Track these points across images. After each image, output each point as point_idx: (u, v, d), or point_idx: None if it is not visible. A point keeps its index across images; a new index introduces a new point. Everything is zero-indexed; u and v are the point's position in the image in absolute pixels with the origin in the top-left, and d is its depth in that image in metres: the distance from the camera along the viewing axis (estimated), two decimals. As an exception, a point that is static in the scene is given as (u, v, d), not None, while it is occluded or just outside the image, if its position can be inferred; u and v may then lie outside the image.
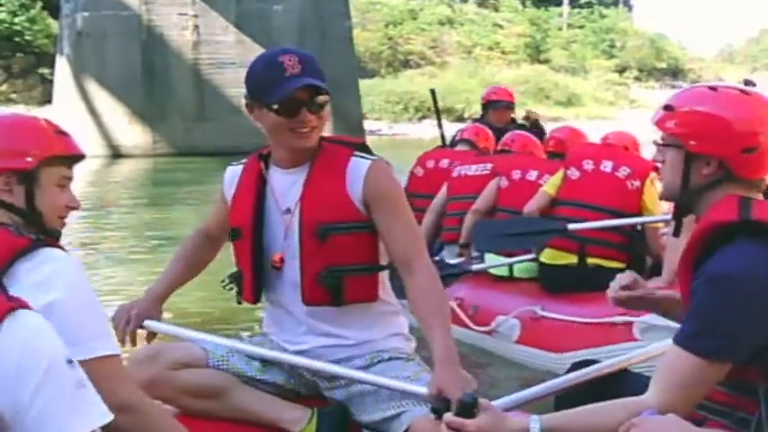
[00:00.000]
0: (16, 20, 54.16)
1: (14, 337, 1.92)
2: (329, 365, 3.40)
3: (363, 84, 47.11)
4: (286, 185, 3.44)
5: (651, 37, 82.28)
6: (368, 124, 43.47)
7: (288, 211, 3.42)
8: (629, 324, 6.17)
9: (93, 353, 2.48)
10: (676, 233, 3.01)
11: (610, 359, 3.45)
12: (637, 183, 6.65)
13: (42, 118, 2.89)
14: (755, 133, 2.69)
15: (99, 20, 35.64)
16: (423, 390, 3.14)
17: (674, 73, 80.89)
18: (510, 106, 9.95)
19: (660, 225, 6.80)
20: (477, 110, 45.04)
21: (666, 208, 7.99)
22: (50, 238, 2.75)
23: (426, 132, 48.78)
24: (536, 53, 72.34)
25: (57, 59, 37.97)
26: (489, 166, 7.61)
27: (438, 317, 3.21)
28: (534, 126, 9.83)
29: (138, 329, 3.71)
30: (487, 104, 9.91)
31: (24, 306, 1.99)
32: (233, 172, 3.66)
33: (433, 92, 10.35)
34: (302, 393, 3.56)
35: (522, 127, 9.61)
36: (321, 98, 3.33)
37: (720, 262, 2.60)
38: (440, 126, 9.64)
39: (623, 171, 6.70)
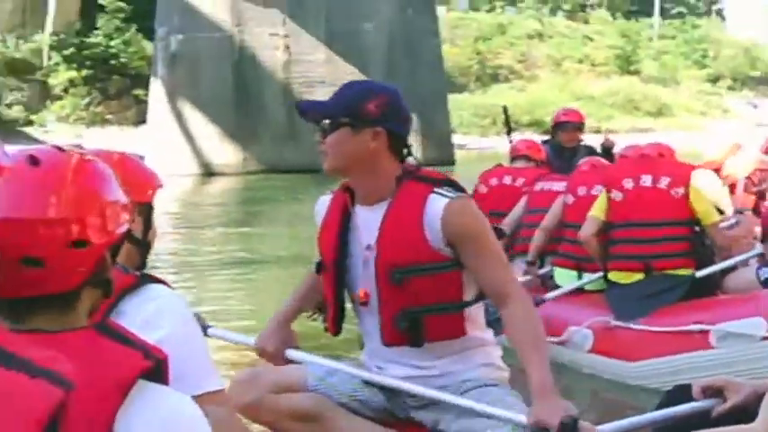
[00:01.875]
0: (112, 42, 55.44)
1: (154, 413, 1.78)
2: (428, 390, 3.39)
3: (452, 98, 47.09)
4: (368, 221, 3.44)
5: (745, 45, 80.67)
6: (456, 138, 43.47)
7: (369, 247, 3.42)
8: (706, 332, 6.18)
9: (200, 389, 2.50)
10: None
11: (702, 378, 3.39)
12: (680, 190, 6.67)
13: (118, 153, 3.05)
14: None
15: (192, 42, 36.30)
16: (522, 418, 3.11)
17: (769, 82, 79.27)
18: (579, 127, 9.99)
19: (718, 220, 6.87)
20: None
21: (730, 205, 7.96)
22: (154, 275, 2.84)
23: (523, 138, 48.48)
24: (626, 65, 71.44)
25: (151, 81, 38.75)
26: (563, 184, 7.71)
27: (534, 346, 3.19)
28: (606, 152, 9.85)
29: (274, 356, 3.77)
30: (557, 126, 9.98)
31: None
32: (322, 203, 3.71)
33: (505, 109, 10.55)
34: (398, 416, 3.56)
35: (591, 150, 9.65)
36: (324, 122, 3.46)
37: None
38: (510, 143, 9.66)
39: (664, 181, 6.72)
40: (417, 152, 18.83)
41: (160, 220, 17.92)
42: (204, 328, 3.95)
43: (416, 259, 3.28)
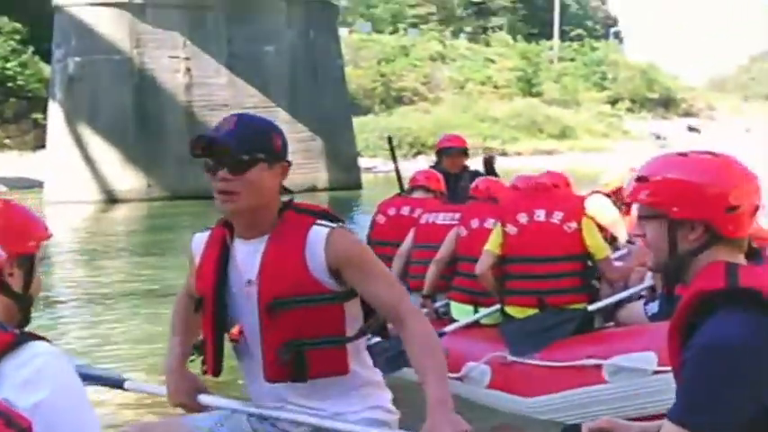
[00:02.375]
0: (8, 65, 54.31)
1: None
2: (324, 420, 3.33)
3: (357, 121, 47.19)
4: (248, 256, 3.35)
5: (642, 68, 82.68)
6: (363, 162, 43.55)
7: (249, 282, 3.34)
8: (599, 367, 6.25)
9: None
10: (669, 307, 2.96)
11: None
12: (573, 224, 6.72)
13: (3, 200, 2.89)
14: (735, 192, 2.68)
15: (91, 64, 35.74)
16: None
17: (666, 103, 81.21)
18: (463, 152, 10.12)
19: (611, 254, 6.92)
20: (472, 144, 45.13)
21: (624, 230, 8.07)
22: (33, 333, 2.70)
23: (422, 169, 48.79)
24: (528, 87, 72.62)
25: (49, 104, 38.03)
26: (457, 216, 7.69)
27: (430, 360, 3.15)
28: (489, 169, 9.98)
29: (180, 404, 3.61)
30: (441, 151, 10.09)
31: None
32: (199, 239, 3.56)
33: (389, 139, 10.61)
34: None
35: (476, 174, 9.74)
36: (243, 158, 3.22)
37: (709, 332, 2.54)
38: (397, 172, 9.68)
39: (557, 216, 6.77)
40: (324, 176, 19.02)
41: (62, 247, 17.48)
42: (120, 382, 3.90)
43: (299, 291, 3.23)
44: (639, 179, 2.80)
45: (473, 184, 8.16)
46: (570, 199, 7.07)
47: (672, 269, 2.78)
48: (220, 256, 3.39)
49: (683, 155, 2.80)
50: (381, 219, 8.52)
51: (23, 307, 2.77)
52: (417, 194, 8.59)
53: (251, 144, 3.21)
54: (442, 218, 7.84)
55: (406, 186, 9.17)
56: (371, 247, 3.50)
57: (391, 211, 8.48)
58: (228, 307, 3.38)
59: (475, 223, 7.37)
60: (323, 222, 3.31)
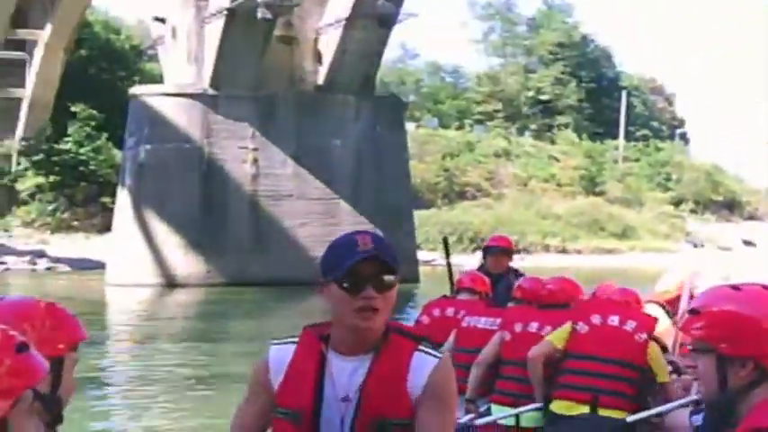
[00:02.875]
0: (82, 150, 55.62)
1: None
2: None
3: (419, 214, 47.42)
4: (346, 372, 3.33)
5: (708, 170, 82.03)
6: (422, 255, 43.61)
7: (346, 398, 3.32)
8: None
9: None
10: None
11: None
12: (644, 335, 6.78)
13: (46, 302, 2.88)
14: None
15: (161, 152, 36.54)
16: None
17: (731, 206, 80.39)
18: (506, 252, 10.04)
19: (673, 380, 6.93)
20: (532, 241, 44.80)
21: (671, 338, 8.01)
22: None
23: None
24: (591, 185, 72.44)
25: (118, 189, 38.83)
26: (498, 321, 7.72)
27: None
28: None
29: None
30: (485, 251, 10.03)
31: None
32: (281, 353, 3.46)
33: (445, 239, 10.49)
34: None
35: (518, 274, 9.72)
36: (388, 278, 3.21)
37: None
38: (450, 273, 9.68)
39: (630, 324, 6.82)
40: None
41: (119, 330, 17.73)
42: None
43: (398, 414, 3.25)
44: (692, 311, 2.83)
45: (516, 285, 8.20)
46: (644, 315, 7.14)
47: (722, 405, 2.76)
48: (318, 370, 3.35)
49: (736, 288, 2.82)
50: (426, 319, 8.56)
51: (50, 408, 2.74)
52: (463, 296, 8.65)
53: (395, 265, 3.24)
54: (483, 322, 7.88)
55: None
56: None
57: (436, 312, 8.53)
58: (322, 423, 3.34)
59: (518, 327, 7.42)
60: (426, 349, 3.33)
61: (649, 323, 6.90)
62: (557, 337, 6.98)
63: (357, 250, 3.17)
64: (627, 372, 6.74)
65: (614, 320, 6.88)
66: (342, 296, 3.19)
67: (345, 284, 3.17)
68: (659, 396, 6.95)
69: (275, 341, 3.52)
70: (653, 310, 8.19)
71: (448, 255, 10.07)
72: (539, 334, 7.29)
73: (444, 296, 9.10)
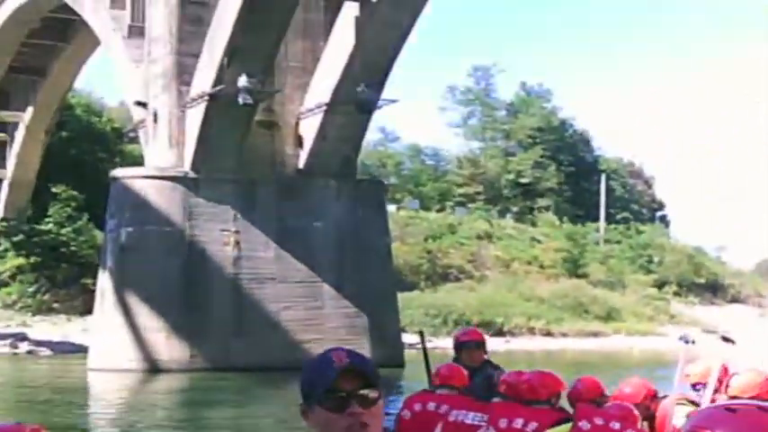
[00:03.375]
0: (63, 230, 55.46)
1: None
2: None
3: (402, 297, 47.26)
4: None
5: (689, 252, 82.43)
6: (407, 338, 43.37)
7: None
8: None
9: None
10: None
11: None
12: None
13: (31, 427, 2.89)
14: None
15: (142, 235, 36.43)
16: None
17: (714, 288, 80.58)
18: (480, 345, 10.08)
19: None
20: (516, 323, 44.65)
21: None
22: None
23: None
24: (574, 268, 72.61)
25: (99, 272, 38.60)
26: (486, 417, 7.63)
27: None
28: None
29: None
30: (459, 345, 10.04)
31: None
32: None
33: (421, 333, 10.55)
34: None
35: (494, 366, 9.70)
36: (372, 393, 3.09)
37: None
38: (428, 369, 9.64)
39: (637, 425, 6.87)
40: (366, 352, 18.72)
41: (103, 418, 17.37)
42: None
43: None
44: None
45: (500, 379, 8.12)
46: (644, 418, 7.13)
47: None
48: None
49: (732, 410, 2.75)
50: (407, 414, 8.55)
51: None
52: (442, 391, 8.63)
53: (375, 378, 3.13)
54: (471, 417, 7.82)
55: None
56: None
57: (417, 407, 8.53)
58: None
59: (503, 423, 7.34)
60: None
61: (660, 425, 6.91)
62: None
63: (333, 366, 3.05)
64: None
65: (616, 426, 6.83)
66: (327, 417, 3.05)
67: (328, 404, 3.04)
68: None
69: None
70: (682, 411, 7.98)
71: (425, 352, 10.08)
72: (524, 430, 7.22)
73: (424, 390, 9.06)
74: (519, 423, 7.20)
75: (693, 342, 8.17)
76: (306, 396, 3.11)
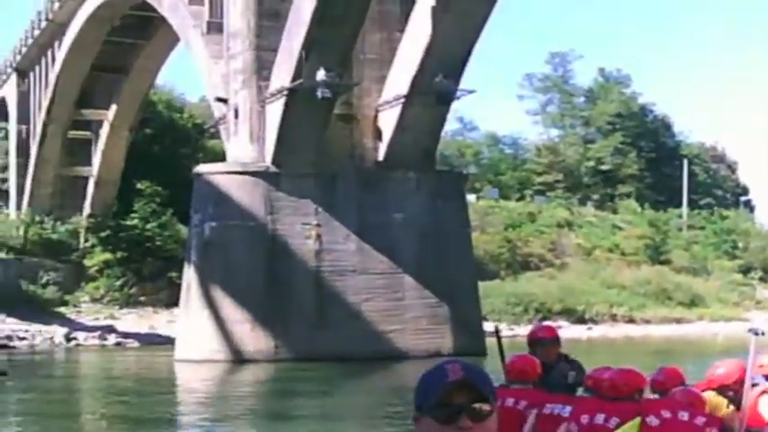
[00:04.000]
0: (148, 226, 56.48)
1: None
2: None
3: (483, 286, 47.24)
4: None
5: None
6: (488, 326, 43.34)
7: None
8: None
9: None
10: None
11: None
12: (714, 430, 6.83)
13: None
14: None
15: (226, 230, 36.96)
16: None
17: (801, 273, 79.14)
18: (556, 342, 10.01)
19: None
20: (598, 310, 44.26)
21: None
22: None
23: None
24: (656, 254, 71.82)
25: (185, 266, 39.23)
26: (568, 409, 7.70)
27: None
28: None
29: None
30: (534, 343, 9.96)
31: None
32: None
33: (496, 329, 10.40)
34: None
35: (572, 363, 9.66)
36: (484, 407, 3.09)
37: None
38: (503, 363, 9.60)
39: (700, 420, 6.88)
40: (449, 342, 18.80)
41: (190, 409, 17.79)
42: None
43: None
44: None
45: (587, 374, 8.16)
46: (712, 415, 7.14)
47: None
48: None
49: None
50: None
51: None
52: (516, 385, 8.59)
53: (489, 392, 3.15)
54: (566, 411, 7.83)
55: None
56: None
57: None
58: None
59: (585, 419, 7.41)
60: None
61: (718, 420, 7.00)
62: (627, 431, 6.98)
63: (447, 379, 3.05)
64: None
65: (684, 416, 6.93)
66: (436, 427, 3.06)
67: (438, 415, 3.05)
68: None
69: None
70: (713, 398, 8.13)
71: (501, 346, 10.03)
72: (606, 426, 7.29)
73: (501, 386, 9.08)
74: (600, 419, 7.29)
75: (763, 333, 8.15)
76: (418, 405, 3.12)
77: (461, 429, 3.02)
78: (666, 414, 6.96)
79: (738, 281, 72.46)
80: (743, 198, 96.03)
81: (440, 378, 3.06)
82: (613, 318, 60.26)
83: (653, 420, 6.98)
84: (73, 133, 61.06)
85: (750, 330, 8.08)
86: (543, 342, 9.91)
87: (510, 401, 8.36)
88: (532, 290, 59.99)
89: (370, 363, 32.01)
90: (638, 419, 7.04)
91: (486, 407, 3.06)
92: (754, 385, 7.99)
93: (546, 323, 10.85)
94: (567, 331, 52.61)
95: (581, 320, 58.70)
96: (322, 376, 27.16)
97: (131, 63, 58.27)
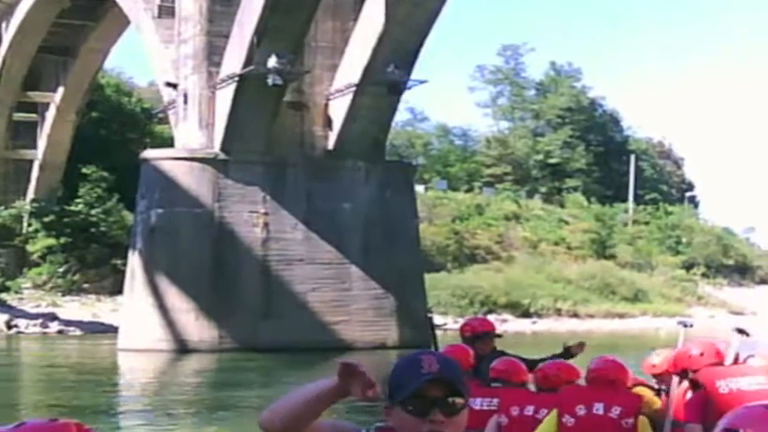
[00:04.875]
0: (93, 212, 55.78)
1: None
2: None
3: (429, 278, 47.31)
4: None
5: (718, 233, 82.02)
6: (435, 319, 43.49)
7: None
8: None
9: None
10: None
11: None
12: (630, 420, 6.82)
13: (75, 423, 2.91)
14: None
15: (172, 216, 36.63)
16: None
17: (743, 270, 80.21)
18: (494, 336, 10.11)
19: None
20: (543, 304, 44.49)
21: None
22: None
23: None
24: (602, 249, 72.40)
25: (129, 253, 38.86)
26: (495, 401, 7.69)
27: None
28: (567, 356, 9.89)
29: None
30: (476, 336, 10.01)
31: None
32: None
33: (429, 319, 10.52)
34: None
35: (502, 354, 9.70)
36: (457, 400, 3.09)
37: None
38: (435, 350, 9.62)
39: (615, 411, 6.86)
40: (394, 333, 18.79)
41: (133, 399, 17.59)
42: None
43: None
44: (727, 431, 2.73)
45: (493, 365, 8.23)
46: (629, 396, 7.13)
47: None
48: None
49: None
50: None
51: None
52: None
53: (462, 387, 3.14)
54: (479, 403, 7.83)
55: None
56: None
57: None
58: None
59: (515, 411, 7.41)
60: None
61: (635, 405, 6.96)
62: (545, 431, 7.00)
63: (422, 372, 3.05)
64: None
65: (599, 409, 6.93)
66: (407, 419, 3.07)
67: (410, 408, 3.05)
68: None
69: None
70: (647, 393, 8.16)
71: (434, 336, 10.05)
72: (536, 417, 7.28)
73: (453, 344, 9.13)
74: (530, 410, 7.32)
75: (692, 325, 8.33)
76: (390, 394, 3.11)
77: (433, 423, 3.01)
78: (581, 411, 6.99)
79: (681, 277, 73.28)
80: (688, 194, 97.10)
81: (414, 370, 3.04)
82: (558, 312, 60.63)
83: (569, 420, 7.02)
84: (18, 116, 60.07)
85: (679, 323, 8.23)
86: (484, 336, 9.96)
87: None
88: (479, 282, 60.13)
89: (314, 353, 31.90)
90: (554, 417, 7.09)
91: (459, 401, 3.06)
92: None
93: (482, 316, 10.87)
94: (512, 325, 52.86)
95: (526, 314, 58.99)
96: (266, 366, 27.04)
97: (80, 45, 57.48)
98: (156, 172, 37.45)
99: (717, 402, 6.80)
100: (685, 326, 8.24)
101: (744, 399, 6.55)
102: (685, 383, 8.00)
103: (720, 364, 7.26)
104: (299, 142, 38.89)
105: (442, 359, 3.11)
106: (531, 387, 8.11)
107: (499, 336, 10.12)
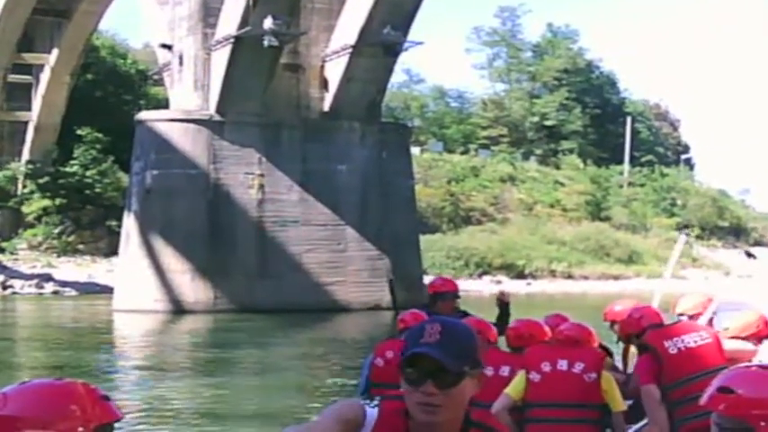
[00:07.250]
0: (88, 173, 55.75)
1: None
2: None
3: (425, 239, 47.36)
4: None
5: (713, 195, 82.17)
6: (428, 280, 43.60)
7: None
8: None
9: None
10: None
11: None
12: (593, 375, 7.04)
13: (81, 383, 2.88)
14: None
15: (167, 178, 36.61)
16: None
17: (737, 232, 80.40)
18: (456, 296, 10.18)
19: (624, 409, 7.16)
20: (538, 266, 44.46)
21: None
22: None
23: (486, 288, 48.73)
24: (597, 211, 72.49)
25: (125, 214, 38.89)
26: None
27: None
28: (503, 309, 9.99)
29: None
30: (436, 295, 10.09)
31: None
32: (371, 416, 3.25)
33: (390, 282, 10.49)
34: None
35: (465, 314, 9.78)
36: (452, 373, 3.01)
37: None
38: (396, 314, 9.68)
39: (578, 366, 7.08)
40: (388, 295, 18.62)
41: (129, 360, 17.72)
42: None
43: None
44: (723, 389, 2.84)
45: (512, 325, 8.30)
46: (592, 353, 7.29)
47: None
48: None
49: (766, 368, 2.87)
50: (380, 362, 8.62)
51: None
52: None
53: (459, 358, 3.05)
54: None
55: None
56: (371, 389, 3.43)
57: (389, 354, 8.59)
58: None
59: (489, 371, 7.51)
60: None
61: (598, 361, 7.17)
62: (513, 389, 7.20)
63: (420, 341, 3.00)
64: (586, 413, 7.07)
65: (563, 365, 7.12)
66: (405, 387, 3.04)
67: (406, 375, 3.02)
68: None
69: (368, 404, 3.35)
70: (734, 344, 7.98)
71: (395, 299, 10.06)
72: (509, 377, 7.42)
73: (391, 337, 9.18)
74: (506, 371, 7.45)
75: (756, 257, 8.37)
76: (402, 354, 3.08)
77: (425, 395, 2.98)
78: (546, 368, 7.21)
79: (676, 238, 73.30)
80: (684, 156, 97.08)
81: (417, 336, 3.01)
82: (552, 273, 60.82)
83: (535, 376, 7.26)
84: (13, 77, 59.82)
85: (746, 254, 8.24)
86: (446, 296, 10.03)
87: (390, 354, 8.37)
88: (474, 244, 60.27)
89: (309, 314, 32.04)
90: (521, 376, 7.28)
91: (455, 374, 2.99)
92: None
93: (446, 277, 10.71)
94: (507, 286, 52.98)
95: (521, 276, 59.19)
96: (261, 327, 27.15)
97: (74, 7, 57.12)
98: (151, 133, 37.40)
99: (668, 362, 7.00)
100: (687, 235, 8.28)
101: (692, 355, 6.88)
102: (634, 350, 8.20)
103: (660, 324, 7.45)
104: (295, 104, 38.81)
105: (447, 327, 3.04)
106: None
107: (458, 296, 10.20)
